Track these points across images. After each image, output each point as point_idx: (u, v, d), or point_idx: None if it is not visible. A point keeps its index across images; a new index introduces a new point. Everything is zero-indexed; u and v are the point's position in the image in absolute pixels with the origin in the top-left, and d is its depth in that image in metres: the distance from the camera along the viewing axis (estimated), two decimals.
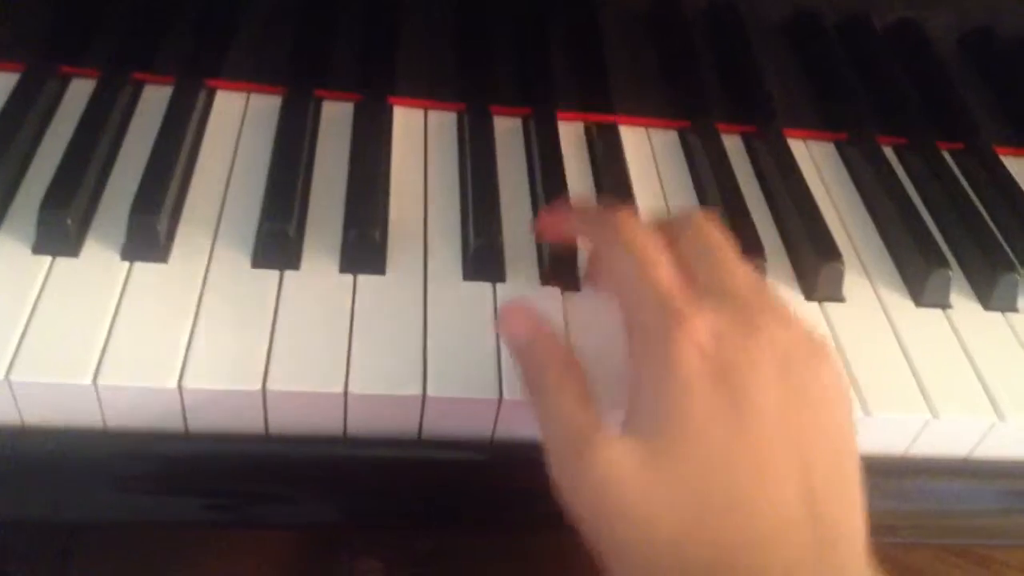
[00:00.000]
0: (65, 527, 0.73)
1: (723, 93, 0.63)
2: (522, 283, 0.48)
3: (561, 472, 0.37)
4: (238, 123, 0.55)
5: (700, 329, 0.36)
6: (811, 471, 0.35)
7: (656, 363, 0.36)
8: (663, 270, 0.39)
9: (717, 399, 0.35)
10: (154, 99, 0.55)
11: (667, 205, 0.56)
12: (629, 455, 0.35)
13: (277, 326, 0.43)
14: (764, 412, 0.36)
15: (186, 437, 0.42)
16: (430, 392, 0.42)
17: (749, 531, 0.34)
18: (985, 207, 0.61)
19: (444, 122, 0.59)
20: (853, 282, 0.53)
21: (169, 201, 0.47)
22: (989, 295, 0.54)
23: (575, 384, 0.39)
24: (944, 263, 0.53)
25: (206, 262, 0.46)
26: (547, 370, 0.39)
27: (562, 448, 0.37)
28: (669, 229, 0.42)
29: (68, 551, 0.78)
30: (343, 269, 0.47)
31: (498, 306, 0.47)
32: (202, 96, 0.55)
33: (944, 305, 0.53)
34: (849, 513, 0.36)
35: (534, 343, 0.41)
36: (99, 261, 0.45)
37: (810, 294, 0.52)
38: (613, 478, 0.35)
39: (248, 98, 0.57)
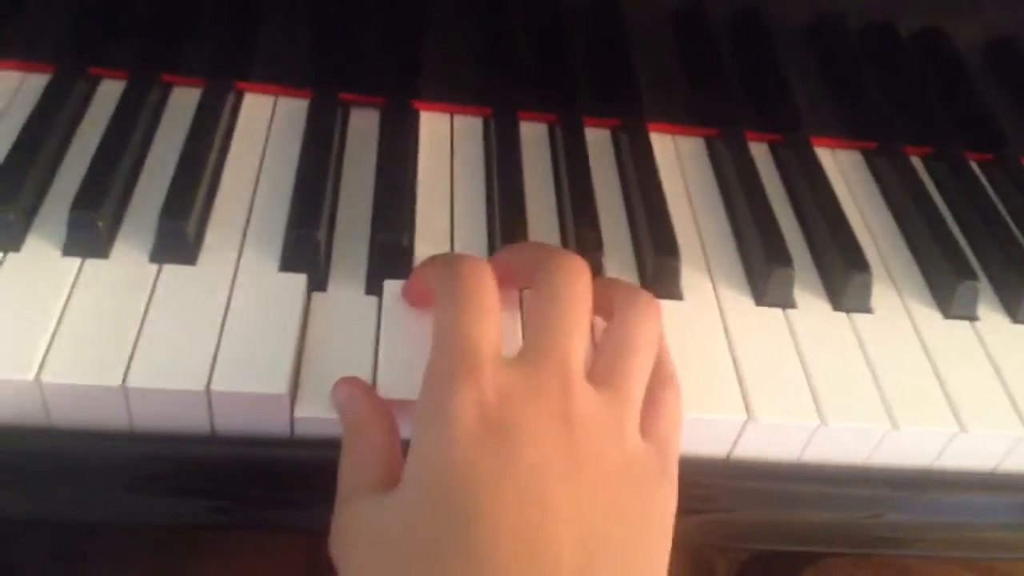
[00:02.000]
0: (86, 528, 0.73)
1: (750, 101, 0.63)
2: None
3: (334, 527, 0.37)
4: (266, 126, 0.55)
5: (488, 381, 0.35)
6: (590, 547, 0.33)
7: (431, 405, 0.35)
8: (483, 313, 0.37)
9: (482, 451, 0.33)
10: (183, 101, 0.55)
11: (693, 213, 0.56)
12: (394, 506, 0.34)
13: (308, 330, 0.44)
14: (529, 470, 0.34)
15: (212, 440, 0.42)
16: None
17: None
18: (1013, 218, 0.60)
19: (470, 127, 0.59)
20: (880, 293, 0.53)
21: (198, 204, 0.48)
22: (1017, 307, 0.54)
23: (371, 445, 0.38)
24: (972, 275, 0.53)
25: (234, 265, 0.46)
26: (350, 427, 0.39)
27: (339, 501, 0.37)
28: (530, 264, 0.41)
29: (84, 552, 0.78)
30: (370, 274, 0.47)
31: None
32: (230, 99, 0.56)
33: (972, 317, 0.53)
34: None
35: (349, 402, 0.40)
36: (128, 263, 0.45)
37: (837, 305, 0.51)
38: (375, 529, 0.34)
39: (276, 101, 0.57)
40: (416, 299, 0.44)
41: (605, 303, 0.41)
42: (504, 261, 0.44)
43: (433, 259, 0.43)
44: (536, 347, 0.37)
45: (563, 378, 0.36)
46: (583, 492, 0.34)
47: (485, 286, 0.38)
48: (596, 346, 0.41)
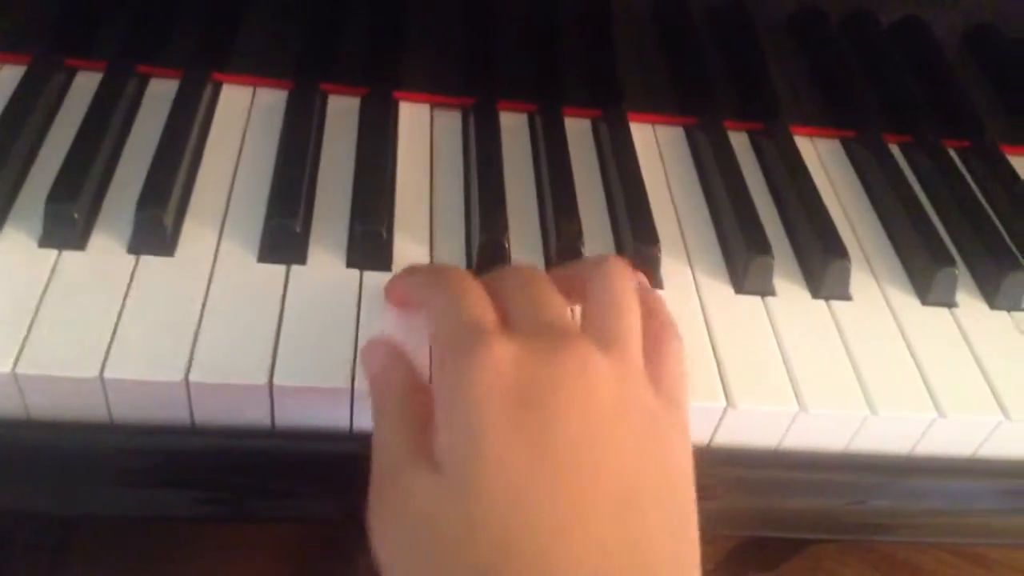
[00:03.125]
0: (68, 520, 0.73)
1: (730, 90, 0.63)
2: None
3: (373, 499, 0.36)
4: (244, 116, 0.55)
5: (499, 353, 0.34)
6: (632, 497, 0.34)
7: (450, 389, 0.35)
8: (475, 300, 0.37)
9: (515, 423, 0.33)
10: (160, 92, 0.55)
11: (673, 202, 0.56)
12: (433, 487, 0.34)
13: (283, 321, 0.43)
14: (570, 433, 0.34)
15: (192, 431, 0.42)
16: None
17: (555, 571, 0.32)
18: (991, 205, 0.61)
19: (450, 117, 0.59)
20: (859, 280, 0.53)
21: (176, 194, 0.47)
22: (995, 294, 0.54)
23: (412, 413, 0.37)
24: (950, 262, 0.53)
25: (212, 256, 0.46)
26: (387, 397, 0.38)
27: (378, 473, 0.36)
28: (496, 282, 0.41)
29: (67, 543, 0.78)
30: (350, 264, 0.47)
31: None
32: (208, 89, 0.55)
33: (950, 304, 0.53)
34: (678, 547, 0.35)
35: (384, 371, 0.39)
36: (105, 254, 0.45)
37: (816, 292, 0.52)
38: (416, 509, 0.34)
39: (254, 92, 0.57)
40: (399, 301, 0.45)
41: (575, 286, 0.41)
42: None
43: (415, 270, 0.44)
44: (530, 320, 0.37)
45: (570, 341, 0.36)
46: (614, 453, 0.34)
47: (471, 279, 0.39)
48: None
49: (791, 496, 0.49)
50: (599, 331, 0.38)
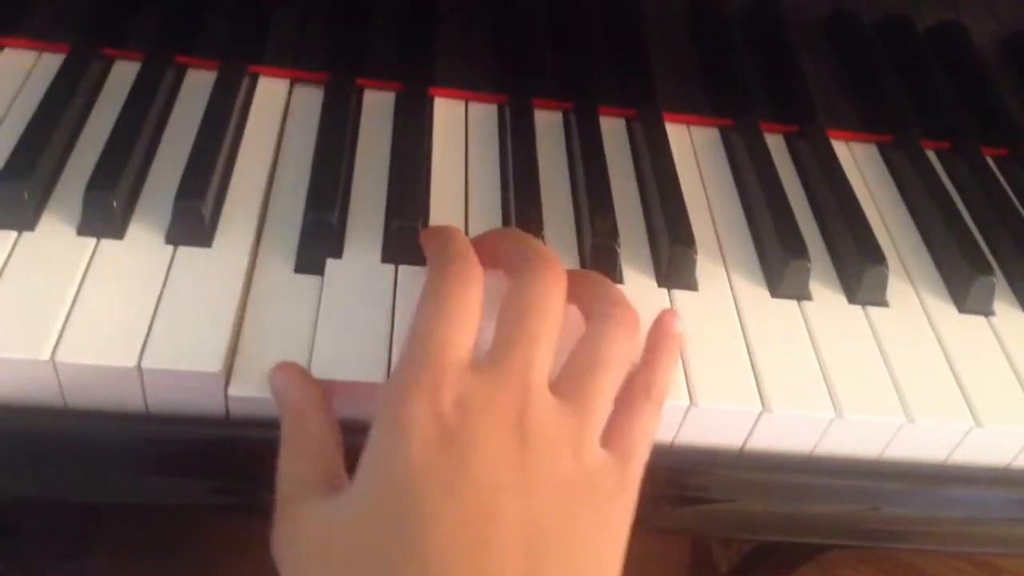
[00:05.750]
0: (93, 508, 0.73)
1: (766, 92, 0.63)
2: None
3: (275, 521, 0.37)
4: (281, 109, 0.55)
5: (446, 392, 0.35)
6: (537, 557, 0.34)
7: (386, 412, 0.35)
8: (459, 321, 0.37)
9: (436, 464, 0.34)
10: (197, 83, 0.55)
11: (708, 204, 0.56)
12: (324, 508, 0.35)
13: (320, 314, 0.43)
14: (485, 486, 0.34)
15: (227, 422, 0.42)
16: None
17: None
18: None
19: (485, 114, 0.59)
20: (896, 287, 0.52)
21: (213, 186, 0.47)
22: None
23: (308, 437, 0.38)
24: (988, 269, 0.53)
25: (250, 248, 0.46)
26: (284, 419, 0.39)
27: (278, 496, 0.37)
28: (512, 261, 0.41)
29: (85, 533, 0.79)
30: (385, 259, 0.47)
31: None
32: (245, 81, 0.55)
33: (987, 312, 0.53)
34: None
35: (285, 391, 0.40)
36: (143, 244, 0.45)
37: (853, 297, 0.51)
38: (298, 530, 0.35)
39: (291, 85, 0.57)
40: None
41: (583, 300, 0.42)
42: (492, 245, 0.44)
43: (435, 233, 0.43)
44: (501, 355, 0.37)
45: (523, 389, 0.36)
46: (532, 504, 0.34)
47: (468, 290, 0.39)
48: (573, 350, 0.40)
49: (820, 502, 0.49)
50: (573, 382, 0.38)
